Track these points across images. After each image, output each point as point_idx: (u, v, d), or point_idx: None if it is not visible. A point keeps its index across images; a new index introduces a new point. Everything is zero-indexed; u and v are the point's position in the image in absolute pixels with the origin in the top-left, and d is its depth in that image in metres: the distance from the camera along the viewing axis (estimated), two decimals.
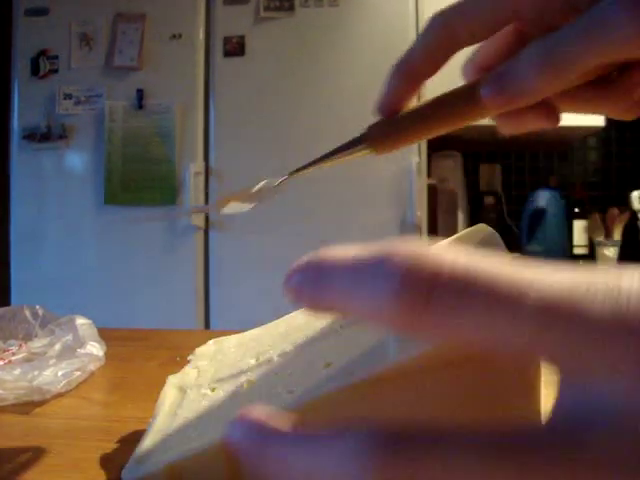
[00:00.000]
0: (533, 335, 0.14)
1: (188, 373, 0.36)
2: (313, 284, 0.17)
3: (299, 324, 0.35)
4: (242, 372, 0.31)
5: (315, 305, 0.17)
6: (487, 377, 0.23)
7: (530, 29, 0.27)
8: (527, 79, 0.24)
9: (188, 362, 0.39)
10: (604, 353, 0.13)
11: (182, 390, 0.34)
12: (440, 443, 0.13)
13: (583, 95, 0.28)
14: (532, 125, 0.29)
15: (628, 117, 0.30)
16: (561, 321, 0.14)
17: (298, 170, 0.32)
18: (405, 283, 0.14)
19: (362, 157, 0.31)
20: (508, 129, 0.29)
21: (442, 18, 0.27)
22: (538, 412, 0.25)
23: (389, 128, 0.29)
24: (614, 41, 0.22)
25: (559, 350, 0.14)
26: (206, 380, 0.33)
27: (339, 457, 0.14)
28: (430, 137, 0.29)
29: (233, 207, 0.33)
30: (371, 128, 0.30)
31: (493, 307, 0.14)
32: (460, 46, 0.28)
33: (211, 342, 0.41)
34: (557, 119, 0.29)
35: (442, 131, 0.29)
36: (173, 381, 0.35)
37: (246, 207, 0.33)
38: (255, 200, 0.33)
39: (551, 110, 0.28)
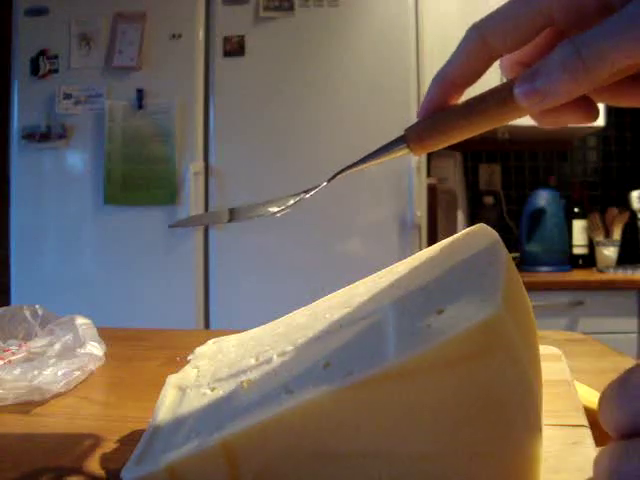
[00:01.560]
0: None
1: (188, 373, 0.36)
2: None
3: (299, 324, 0.35)
4: (242, 372, 0.31)
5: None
6: (486, 378, 0.23)
7: (566, 31, 0.27)
8: (558, 79, 0.24)
9: (188, 362, 0.39)
10: None
11: (182, 390, 0.34)
12: None
13: (620, 88, 0.28)
14: (570, 120, 0.29)
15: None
16: None
17: (337, 174, 0.33)
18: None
19: (400, 157, 0.31)
20: (546, 123, 0.29)
21: (477, 30, 0.28)
22: (538, 411, 0.25)
23: (425, 129, 0.30)
24: None
25: None
26: (206, 380, 0.33)
27: None
28: (466, 137, 0.30)
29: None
30: (408, 129, 0.31)
31: None
32: (497, 56, 0.28)
33: (211, 342, 0.41)
34: (595, 115, 0.28)
35: (478, 131, 0.29)
36: (173, 381, 0.35)
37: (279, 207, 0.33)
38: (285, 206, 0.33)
39: (589, 106, 0.28)
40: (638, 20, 0.22)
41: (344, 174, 0.33)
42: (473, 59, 0.28)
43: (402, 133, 0.31)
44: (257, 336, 0.37)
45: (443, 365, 0.22)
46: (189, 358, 0.39)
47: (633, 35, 0.22)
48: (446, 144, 0.30)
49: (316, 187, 0.33)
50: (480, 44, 0.28)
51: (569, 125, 0.29)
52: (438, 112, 0.30)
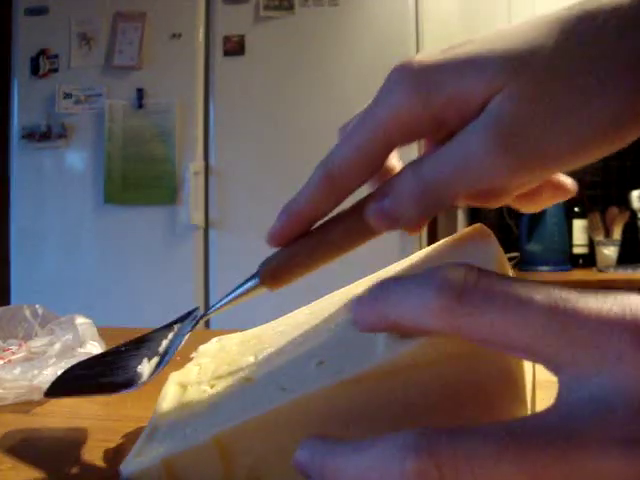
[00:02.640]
0: (537, 334, 0.17)
1: (190, 370, 0.36)
2: (372, 301, 0.21)
3: (299, 323, 0.35)
4: (240, 369, 0.32)
5: (375, 319, 0.21)
6: (476, 375, 0.23)
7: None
8: (407, 209, 0.24)
9: (191, 359, 0.39)
10: (594, 347, 0.16)
11: (183, 386, 0.34)
12: (461, 439, 0.16)
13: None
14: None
15: (496, 205, 0.29)
16: (560, 320, 0.17)
17: (200, 319, 0.35)
18: (441, 288, 0.18)
19: (262, 293, 0.30)
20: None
21: (324, 169, 0.26)
22: (528, 408, 0.25)
23: (279, 265, 0.29)
24: (477, 173, 0.22)
25: (556, 346, 0.17)
26: (206, 377, 0.33)
27: (383, 457, 0.17)
28: (326, 263, 0.28)
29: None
30: (262, 267, 0.29)
31: (506, 309, 0.17)
32: (345, 194, 0.27)
33: (215, 340, 0.41)
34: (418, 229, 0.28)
35: (339, 255, 0.28)
36: (174, 378, 0.36)
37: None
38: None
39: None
40: (467, 155, 0.22)
41: (206, 317, 0.33)
42: (320, 197, 0.27)
43: (257, 269, 0.29)
44: (258, 334, 0.38)
45: (432, 362, 0.22)
46: (192, 355, 0.39)
47: (465, 168, 0.23)
48: (306, 274, 0.29)
49: (194, 322, 0.34)
50: (328, 184, 0.26)
51: None
52: (291, 243, 0.28)
